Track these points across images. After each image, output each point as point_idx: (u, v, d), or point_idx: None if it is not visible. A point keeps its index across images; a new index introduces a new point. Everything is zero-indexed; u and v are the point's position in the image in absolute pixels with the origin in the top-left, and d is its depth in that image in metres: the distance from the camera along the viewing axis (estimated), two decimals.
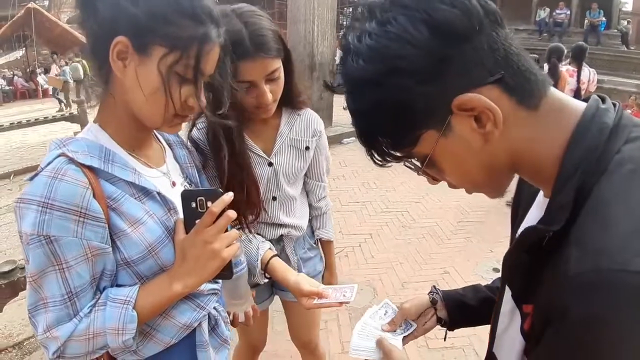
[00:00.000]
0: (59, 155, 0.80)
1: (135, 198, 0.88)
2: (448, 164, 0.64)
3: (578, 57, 5.53)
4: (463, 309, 1.06)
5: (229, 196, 0.87)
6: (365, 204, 5.18)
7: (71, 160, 0.80)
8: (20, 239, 0.81)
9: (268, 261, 1.37)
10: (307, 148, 1.47)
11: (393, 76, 0.56)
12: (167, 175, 1.00)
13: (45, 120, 7.49)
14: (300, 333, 1.84)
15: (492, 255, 3.84)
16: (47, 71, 18.49)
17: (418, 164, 0.66)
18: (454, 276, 3.56)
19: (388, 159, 0.65)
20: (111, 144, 0.88)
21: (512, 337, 0.69)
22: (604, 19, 14.41)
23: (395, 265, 3.74)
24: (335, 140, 7.94)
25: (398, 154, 0.65)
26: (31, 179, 0.80)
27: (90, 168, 0.82)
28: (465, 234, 4.40)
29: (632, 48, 15.03)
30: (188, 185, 1.05)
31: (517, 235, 0.76)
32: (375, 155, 0.65)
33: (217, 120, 0.99)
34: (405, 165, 0.69)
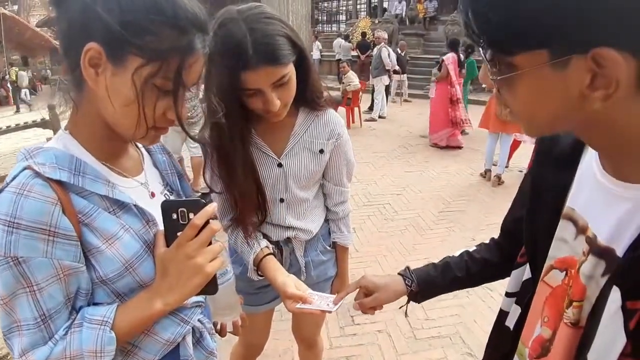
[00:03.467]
0: (25, 168, 0.74)
1: (110, 212, 0.82)
2: (528, 93, 0.58)
3: None
4: (433, 289, 1.11)
5: (212, 207, 0.81)
6: None
7: (37, 174, 0.74)
8: None
9: (261, 259, 1.34)
10: (322, 151, 1.39)
11: None
12: (145, 185, 0.94)
13: (17, 127, 7.29)
14: (303, 330, 1.84)
15: (474, 244, 3.78)
16: None
17: (493, 68, 0.59)
18: None
19: (475, 40, 0.58)
20: (83, 153, 0.82)
21: (609, 337, 0.62)
22: None
23: (380, 258, 3.75)
24: None
25: (485, 46, 0.57)
26: None
27: (59, 182, 0.76)
28: (447, 223, 4.43)
29: None
30: (169, 194, 1.00)
31: (557, 224, 0.72)
32: (473, 28, 0.57)
33: (191, 134, 0.91)
34: (486, 63, 0.61)
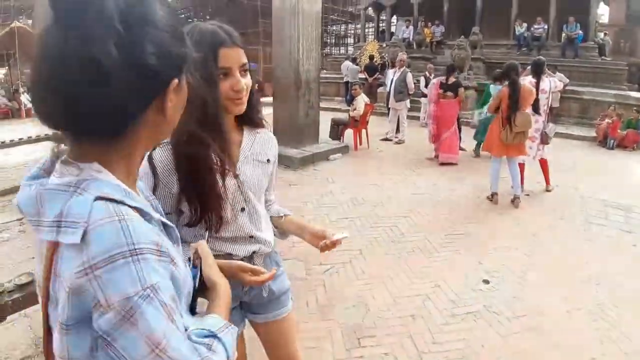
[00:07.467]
0: (96, 199, 0.66)
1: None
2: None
3: (536, 71, 6.02)
4: None
5: None
6: (354, 219, 5.20)
7: (116, 202, 0.68)
8: (99, 314, 0.63)
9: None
10: (268, 161, 1.57)
11: None
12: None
13: (29, 141, 7.42)
14: (280, 352, 1.76)
15: (481, 267, 3.85)
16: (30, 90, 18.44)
17: None
18: (444, 289, 3.57)
19: None
20: (120, 182, 0.75)
21: None
22: (580, 32, 14.79)
23: (387, 281, 3.75)
24: (322, 157, 7.98)
25: None
26: (82, 239, 0.63)
27: (135, 208, 0.71)
28: (454, 247, 4.43)
29: (609, 59, 15.43)
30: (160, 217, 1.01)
31: None
32: None
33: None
34: None
